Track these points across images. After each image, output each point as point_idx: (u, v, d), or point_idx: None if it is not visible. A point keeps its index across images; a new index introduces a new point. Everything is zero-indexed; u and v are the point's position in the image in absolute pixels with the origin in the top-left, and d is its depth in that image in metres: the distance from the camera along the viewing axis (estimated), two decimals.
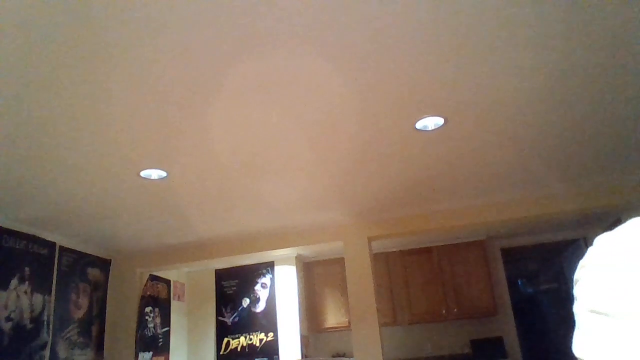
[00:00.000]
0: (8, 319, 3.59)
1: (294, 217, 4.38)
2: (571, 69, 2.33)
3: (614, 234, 0.54)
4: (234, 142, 2.80)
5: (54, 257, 4.19)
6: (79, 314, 4.44)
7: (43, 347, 3.91)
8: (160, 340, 5.33)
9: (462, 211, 4.55)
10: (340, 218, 4.56)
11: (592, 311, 0.51)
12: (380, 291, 5.79)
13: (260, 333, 5.63)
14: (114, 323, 4.84)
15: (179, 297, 5.90)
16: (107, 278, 4.94)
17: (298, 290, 5.68)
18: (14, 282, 3.69)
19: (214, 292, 5.96)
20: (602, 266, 0.52)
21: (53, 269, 4.16)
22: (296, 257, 5.77)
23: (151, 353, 5.10)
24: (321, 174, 3.43)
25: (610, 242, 0.53)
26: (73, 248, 4.44)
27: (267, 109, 2.48)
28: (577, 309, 0.54)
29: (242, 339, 5.68)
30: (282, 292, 5.70)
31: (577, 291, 0.55)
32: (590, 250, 0.56)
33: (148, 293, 5.19)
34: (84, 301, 4.52)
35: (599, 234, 0.57)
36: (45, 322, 3.96)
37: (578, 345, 0.52)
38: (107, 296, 4.89)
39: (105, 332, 4.78)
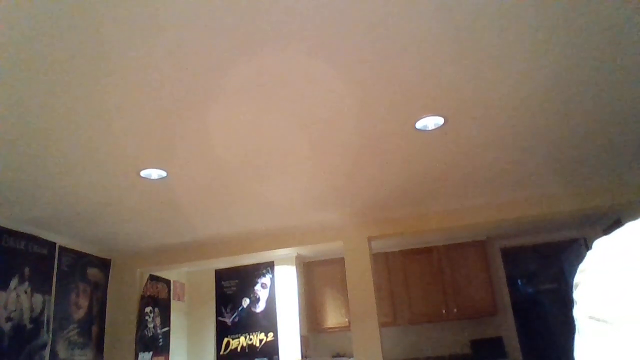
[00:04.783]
0: (8, 319, 3.59)
1: (294, 217, 4.38)
2: (571, 69, 2.34)
3: (613, 238, 0.54)
4: (234, 142, 2.80)
5: (54, 257, 4.19)
6: (79, 314, 4.44)
7: (43, 347, 3.91)
8: (160, 340, 5.33)
9: (462, 211, 4.55)
10: (340, 218, 4.56)
11: (592, 317, 0.51)
12: (380, 291, 5.79)
13: (260, 333, 5.63)
14: (114, 323, 4.84)
15: (179, 297, 5.90)
16: (107, 278, 4.94)
17: (298, 290, 5.68)
18: (14, 282, 3.69)
19: (214, 292, 5.96)
20: (601, 271, 0.52)
21: (53, 269, 4.16)
22: (296, 257, 5.77)
23: (151, 353, 5.10)
24: (321, 174, 3.43)
25: (609, 246, 0.54)
26: (73, 248, 4.44)
27: (267, 109, 2.48)
28: (577, 314, 0.54)
29: (242, 339, 5.68)
30: (282, 292, 5.69)
31: (576, 295, 0.55)
32: (589, 254, 0.56)
33: (148, 293, 5.19)
34: (83, 301, 4.52)
35: (599, 234, 0.57)
36: (45, 322, 3.96)
37: (579, 352, 0.53)
38: (107, 296, 4.89)
39: (105, 332, 4.78)
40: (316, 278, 6.03)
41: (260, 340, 5.60)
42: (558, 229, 5.85)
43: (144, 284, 5.12)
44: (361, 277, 4.58)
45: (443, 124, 2.79)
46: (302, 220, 4.48)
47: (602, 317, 0.50)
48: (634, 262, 0.49)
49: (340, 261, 5.78)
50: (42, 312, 3.94)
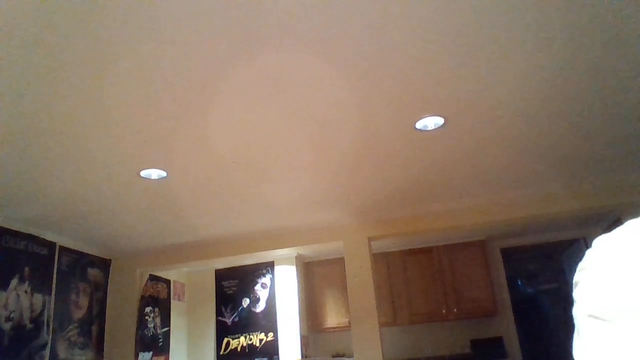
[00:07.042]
0: (8, 319, 3.59)
1: (294, 217, 4.38)
2: (571, 69, 2.33)
3: (612, 236, 0.54)
4: (234, 142, 2.80)
5: (54, 257, 4.19)
6: (79, 314, 4.44)
7: (43, 347, 3.91)
8: (160, 340, 5.33)
9: (462, 211, 4.55)
10: (341, 218, 4.56)
11: (591, 316, 0.51)
12: (380, 291, 5.79)
13: (260, 333, 5.63)
14: (114, 323, 4.84)
15: (179, 297, 5.90)
16: (107, 278, 4.94)
17: (298, 290, 5.68)
18: (14, 282, 3.69)
19: (214, 292, 5.96)
20: (600, 269, 0.52)
21: (53, 269, 4.16)
22: (296, 257, 5.77)
23: (151, 353, 5.10)
24: (321, 174, 3.43)
25: (608, 244, 0.53)
26: (73, 248, 4.44)
27: (267, 109, 2.48)
28: (576, 312, 0.54)
29: (242, 339, 5.68)
30: (282, 292, 5.69)
31: (576, 294, 0.55)
32: (588, 252, 0.56)
33: (148, 293, 5.19)
34: (84, 301, 4.52)
35: (599, 234, 0.57)
36: (45, 322, 3.96)
37: (577, 350, 0.52)
38: (107, 296, 4.89)
39: (105, 332, 4.78)
40: (316, 278, 6.03)
41: (260, 340, 5.60)
42: (558, 229, 5.84)
43: (143, 284, 5.12)
44: (361, 277, 4.58)
45: (443, 124, 2.79)
46: (302, 220, 4.48)
47: (602, 316, 0.50)
48: (634, 260, 0.49)
49: (341, 261, 5.76)
50: (42, 312, 3.94)
